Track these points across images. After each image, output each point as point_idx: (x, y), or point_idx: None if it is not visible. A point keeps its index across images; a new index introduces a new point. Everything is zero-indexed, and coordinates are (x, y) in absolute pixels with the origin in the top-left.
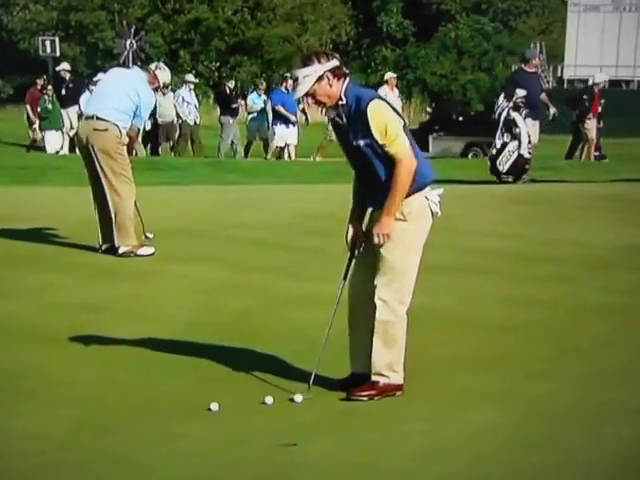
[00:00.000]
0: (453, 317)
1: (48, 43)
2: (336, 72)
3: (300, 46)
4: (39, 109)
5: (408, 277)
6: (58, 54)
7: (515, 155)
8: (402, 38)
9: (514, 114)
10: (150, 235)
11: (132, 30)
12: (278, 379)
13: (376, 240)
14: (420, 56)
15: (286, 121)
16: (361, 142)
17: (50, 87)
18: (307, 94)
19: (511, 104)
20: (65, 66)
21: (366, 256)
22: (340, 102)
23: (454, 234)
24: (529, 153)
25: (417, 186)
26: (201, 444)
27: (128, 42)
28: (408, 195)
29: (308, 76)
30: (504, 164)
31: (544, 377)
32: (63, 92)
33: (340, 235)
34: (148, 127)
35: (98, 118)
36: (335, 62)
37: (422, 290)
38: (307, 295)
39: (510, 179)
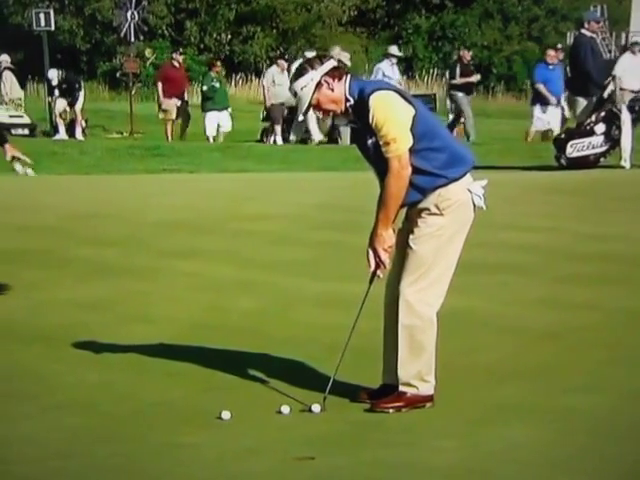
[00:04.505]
0: (488, 321)
1: (42, 16)
2: (334, 74)
3: (320, 14)
4: (204, 88)
5: (439, 277)
6: (53, 28)
7: (591, 152)
8: (438, 4)
9: (626, 116)
10: None
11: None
12: (293, 387)
13: (372, 261)
14: (459, 25)
15: (546, 102)
16: (370, 140)
17: (219, 64)
18: (311, 106)
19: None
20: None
21: (401, 254)
22: (348, 103)
23: (490, 228)
24: (605, 156)
25: (453, 175)
26: (209, 455)
27: (129, 13)
28: (444, 185)
29: (305, 86)
30: (575, 150)
31: (588, 391)
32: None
33: (360, 228)
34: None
35: None
36: (331, 63)
37: (455, 290)
38: (324, 295)
39: (563, 162)
